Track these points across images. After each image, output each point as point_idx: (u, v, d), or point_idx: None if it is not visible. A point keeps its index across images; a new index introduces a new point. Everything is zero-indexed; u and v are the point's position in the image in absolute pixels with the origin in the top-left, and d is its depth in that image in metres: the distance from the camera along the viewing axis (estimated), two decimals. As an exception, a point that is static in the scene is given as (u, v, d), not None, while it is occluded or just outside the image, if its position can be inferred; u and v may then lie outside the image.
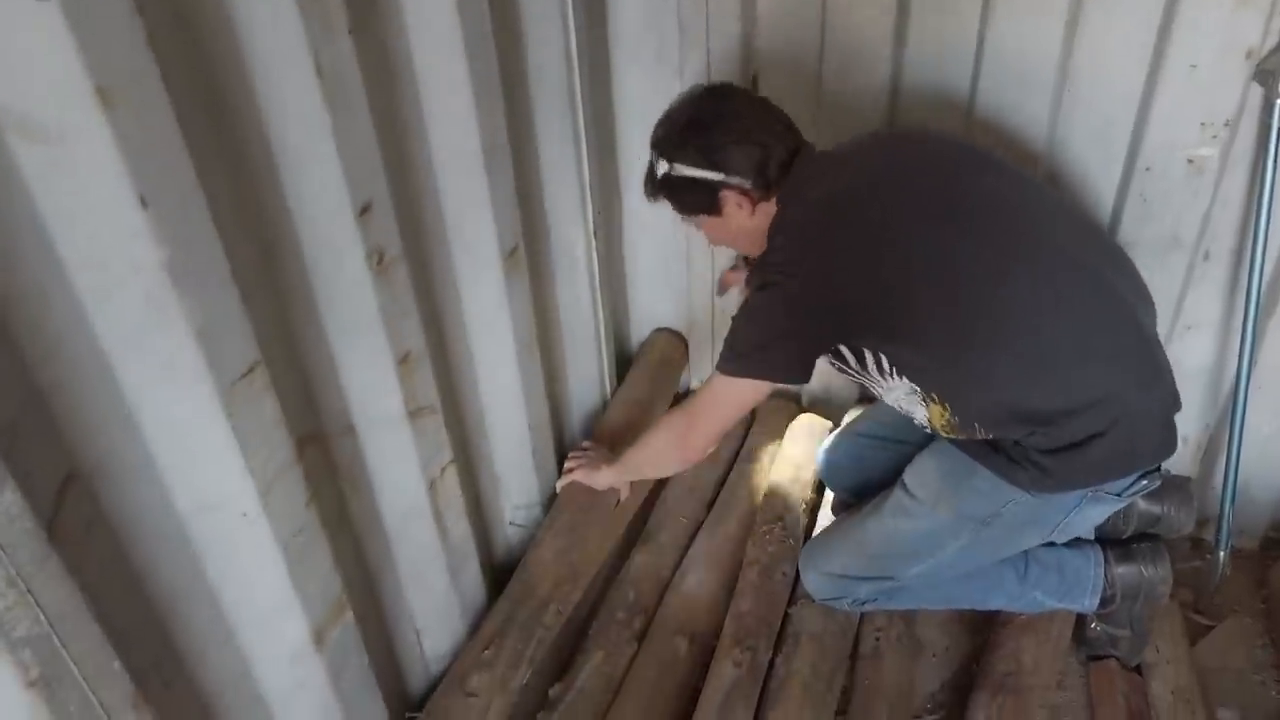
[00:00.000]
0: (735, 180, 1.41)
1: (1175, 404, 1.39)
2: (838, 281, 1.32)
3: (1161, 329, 1.75)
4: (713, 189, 1.43)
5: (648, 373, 2.18)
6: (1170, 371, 1.40)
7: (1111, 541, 1.63)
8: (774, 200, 1.43)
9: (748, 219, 1.44)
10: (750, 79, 1.82)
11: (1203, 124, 1.56)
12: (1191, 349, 1.80)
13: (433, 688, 1.57)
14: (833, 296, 1.33)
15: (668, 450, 1.60)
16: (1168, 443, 1.38)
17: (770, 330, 1.37)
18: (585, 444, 1.93)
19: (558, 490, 1.84)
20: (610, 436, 1.97)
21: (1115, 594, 1.58)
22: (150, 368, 0.92)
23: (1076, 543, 1.61)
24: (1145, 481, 1.39)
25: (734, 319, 1.42)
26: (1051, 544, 1.57)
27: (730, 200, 1.43)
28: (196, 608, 1.07)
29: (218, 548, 1.06)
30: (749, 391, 1.43)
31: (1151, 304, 1.43)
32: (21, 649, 0.81)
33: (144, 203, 0.84)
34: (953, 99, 1.69)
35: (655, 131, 1.48)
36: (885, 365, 1.37)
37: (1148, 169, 1.63)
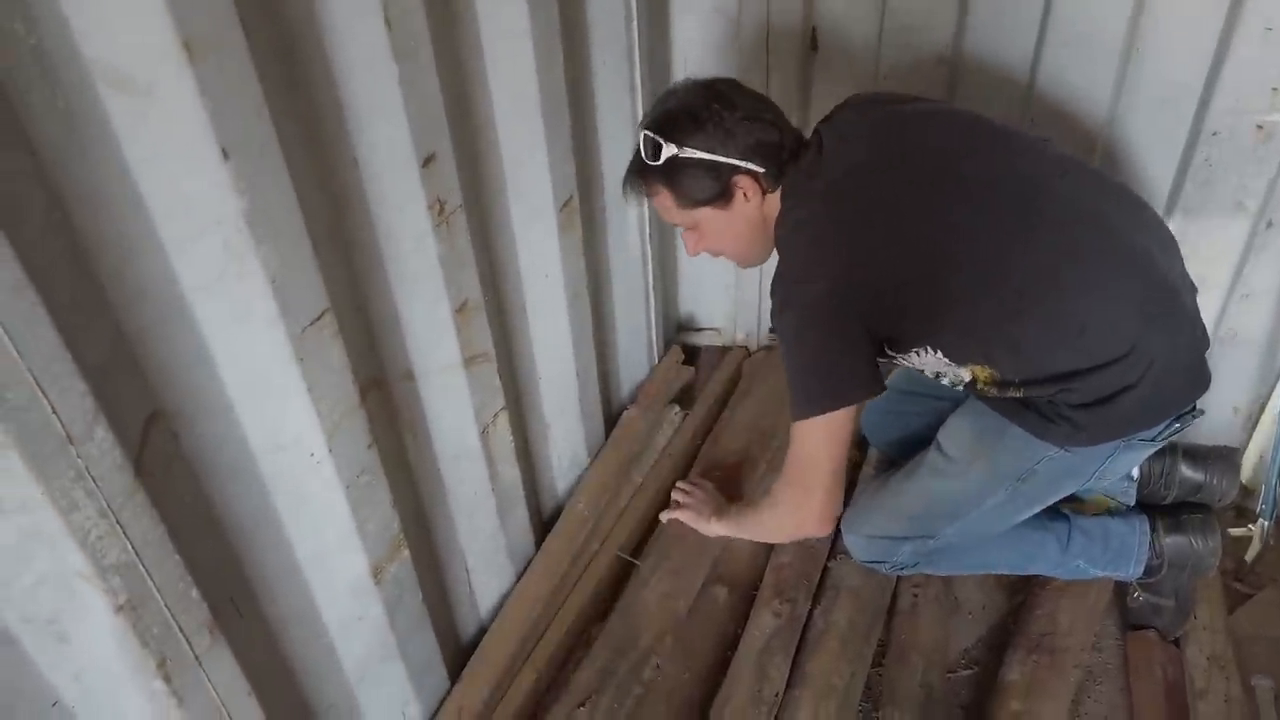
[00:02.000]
0: (748, 165, 1.35)
1: (1203, 343, 1.37)
2: (858, 275, 1.28)
3: (1218, 296, 1.74)
4: (725, 174, 1.36)
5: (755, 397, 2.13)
6: (1197, 313, 1.37)
7: (1159, 509, 1.63)
8: (778, 194, 1.38)
9: (755, 211, 1.39)
10: (808, 33, 1.80)
11: (1275, 89, 1.52)
12: (1248, 317, 1.78)
13: (481, 629, 1.63)
14: (860, 291, 1.29)
15: (792, 528, 1.58)
16: (1197, 384, 1.35)
17: (821, 350, 1.32)
18: (694, 480, 1.87)
19: (663, 521, 1.81)
20: (723, 468, 1.95)
21: (1162, 563, 1.58)
22: (228, 313, 0.95)
23: (1123, 511, 1.61)
24: (1178, 424, 1.37)
25: (783, 357, 1.36)
26: (1098, 514, 1.57)
27: (742, 187, 1.37)
28: (266, 542, 1.12)
29: (286, 486, 1.11)
30: (837, 427, 1.36)
31: (1175, 249, 1.39)
32: (112, 575, 0.86)
33: (225, 154, 0.87)
34: (1014, 65, 1.67)
35: (653, 114, 1.40)
36: (911, 344, 1.36)
37: (1214, 134, 1.60)
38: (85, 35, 0.76)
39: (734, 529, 1.72)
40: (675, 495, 1.83)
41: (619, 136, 1.79)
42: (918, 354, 1.38)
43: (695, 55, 1.86)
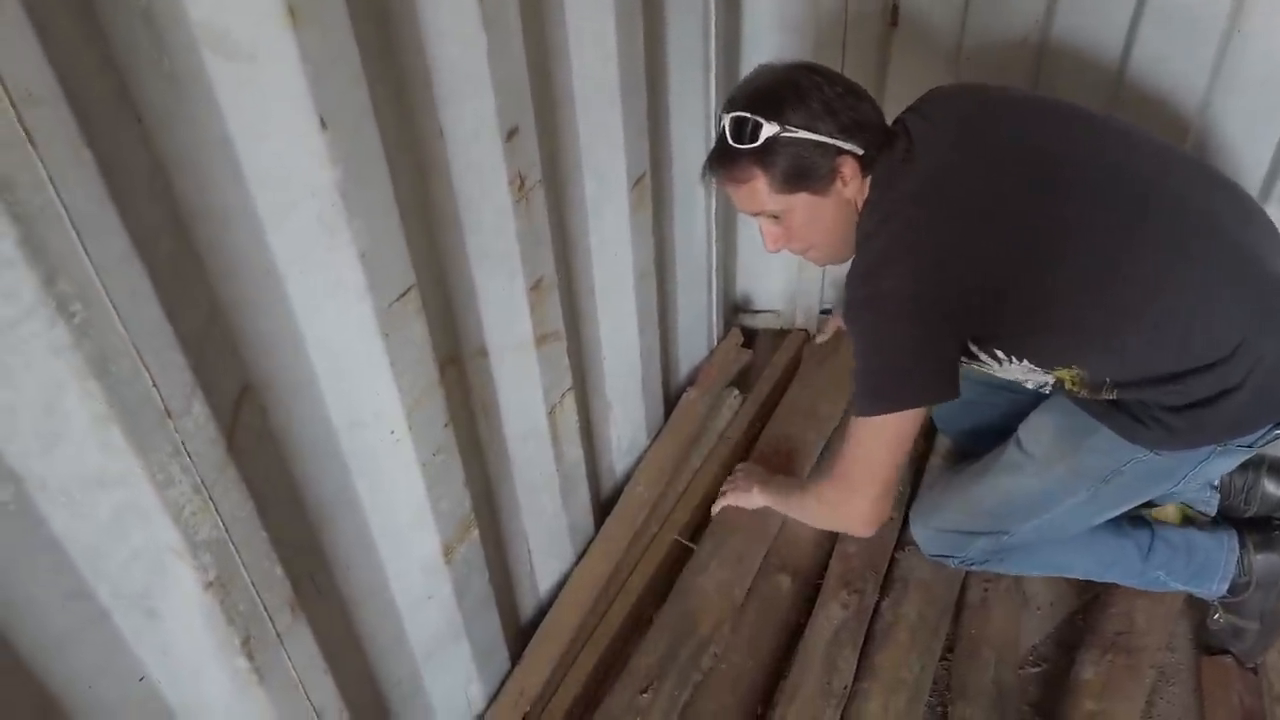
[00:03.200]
0: (850, 145, 1.26)
1: None
2: (949, 274, 1.22)
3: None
4: (828, 154, 1.27)
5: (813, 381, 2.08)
6: None
7: (1250, 524, 1.57)
8: (868, 182, 1.30)
9: (854, 196, 1.30)
10: (889, 7, 1.75)
11: (1384, 72, 1.46)
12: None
13: (541, 609, 1.62)
14: (948, 291, 1.22)
15: (832, 523, 1.55)
16: None
17: (899, 349, 1.25)
18: (739, 466, 1.83)
19: (713, 514, 1.77)
20: (779, 454, 1.90)
21: (1249, 581, 1.51)
22: (318, 286, 0.93)
23: (1210, 525, 1.56)
24: (1279, 431, 1.30)
25: (855, 354, 1.28)
26: (1184, 525, 1.51)
27: (845, 170, 1.28)
28: (344, 520, 1.11)
29: (365, 464, 1.09)
30: (903, 427, 1.30)
31: None
32: (202, 552, 0.85)
33: (324, 124, 0.84)
34: (1105, 46, 1.60)
35: (743, 94, 1.30)
36: (1001, 353, 1.30)
37: (1318, 117, 1.53)
38: (193, -3, 0.74)
39: (776, 502, 1.68)
40: (725, 486, 1.80)
41: (690, 113, 1.75)
42: (1001, 363, 1.32)
43: (769, 28, 1.81)
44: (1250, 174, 1.62)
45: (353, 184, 0.90)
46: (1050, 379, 1.33)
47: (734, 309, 2.32)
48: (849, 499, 1.41)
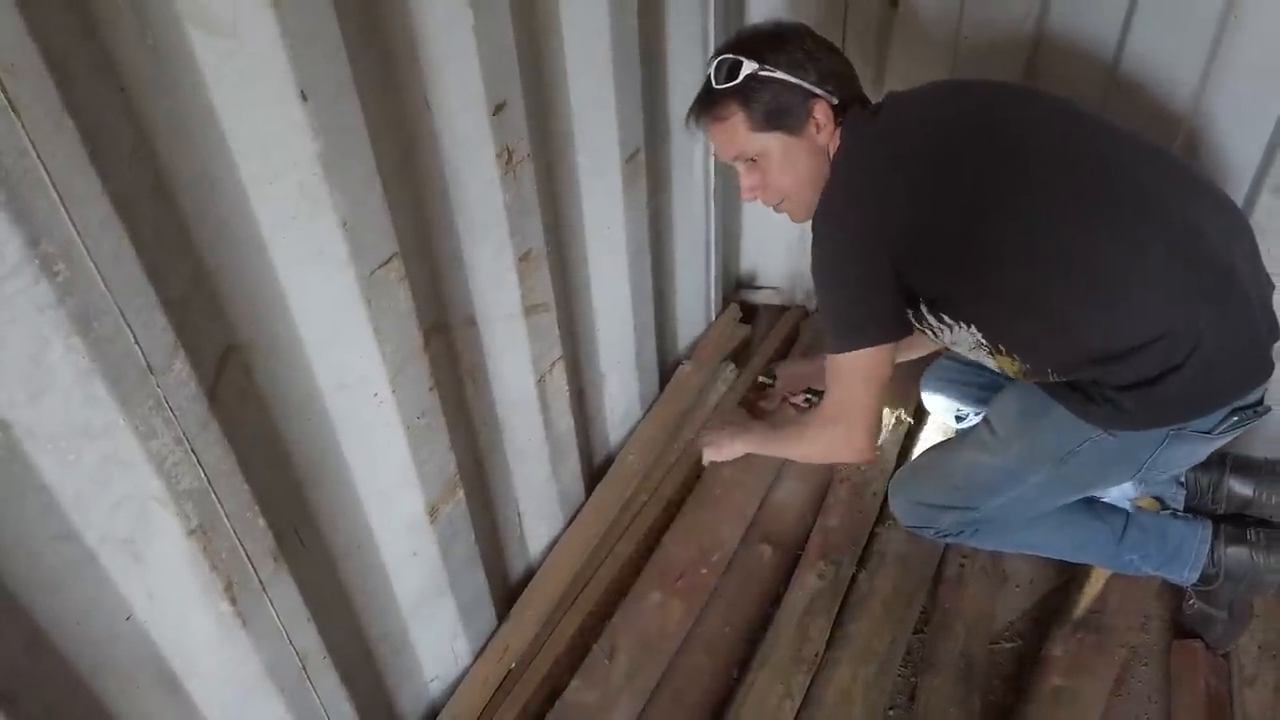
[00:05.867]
0: (824, 93, 1.36)
1: (1270, 334, 1.31)
2: (892, 219, 1.28)
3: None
4: (802, 97, 1.36)
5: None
6: (1266, 303, 1.31)
7: (1226, 518, 1.59)
8: (838, 133, 1.38)
9: (825, 141, 1.38)
10: (889, -11, 1.76)
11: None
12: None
13: (530, 571, 1.67)
14: (891, 235, 1.29)
15: (822, 452, 1.59)
16: (1255, 373, 1.29)
17: (849, 289, 1.33)
18: (708, 421, 1.90)
19: (705, 465, 1.85)
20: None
21: (1219, 573, 1.54)
22: (301, 253, 0.98)
23: (1186, 514, 1.57)
24: (1237, 418, 1.31)
25: (817, 295, 1.39)
26: (1159, 511, 1.53)
27: (815, 115, 1.36)
28: (330, 477, 1.15)
29: (350, 424, 1.14)
30: (872, 362, 1.37)
31: (1243, 234, 1.33)
32: (185, 500, 0.90)
33: (304, 96, 0.88)
34: (1101, 33, 1.61)
35: (731, 40, 1.41)
36: (948, 314, 1.34)
37: (1313, 108, 1.53)
38: (175, -27, 0.78)
39: (759, 445, 1.73)
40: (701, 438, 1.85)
41: (688, 89, 1.76)
42: (951, 329, 1.36)
43: (770, 4, 1.82)
44: (1242, 163, 1.62)
45: (334, 155, 0.94)
46: (994, 362, 1.37)
47: (736, 284, 2.35)
48: (834, 430, 1.48)
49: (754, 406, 1.99)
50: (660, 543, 1.72)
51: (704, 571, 1.64)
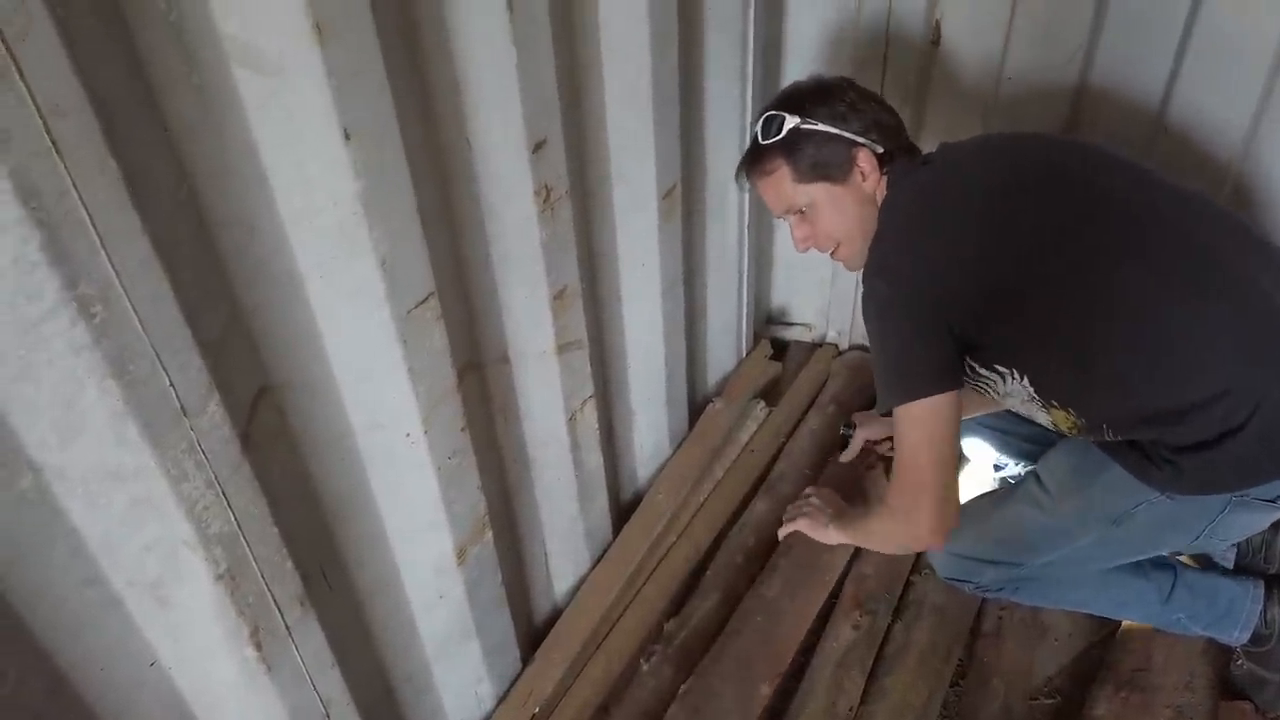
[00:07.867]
0: (868, 142, 1.37)
1: None
2: (946, 269, 1.26)
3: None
4: (845, 147, 1.37)
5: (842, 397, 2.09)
6: None
7: (1277, 578, 1.53)
8: (884, 182, 1.38)
9: (871, 189, 1.38)
10: (933, 25, 1.73)
11: None
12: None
13: (555, 612, 1.64)
14: (944, 284, 1.26)
15: (903, 538, 1.49)
16: None
17: (900, 341, 1.30)
18: (808, 491, 1.81)
19: (780, 539, 1.75)
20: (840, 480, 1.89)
21: (1272, 634, 1.48)
22: (338, 292, 0.96)
23: (1236, 572, 1.52)
24: None
25: (870, 346, 1.35)
26: (1206, 567, 1.48)
27: (861, 161, 1.37)
28: (358, 517, 1.13)
29: (381, 465, 1.12)
30: (930, 414, 1.30)
31: None
32: (214, 545, 0.88)
33: (347, 135, 0.87)
34: (1148, 75, 1.58)
35: (776, 97, 1.44)
36: (1000, 364, 1.30)
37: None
38: (223, 12, 0.77)
39: (851, 536, 1.64)
40: (790, 509, 1.77)
41: (727, 124, 1.75)
42: (1004, 378, 1.31)
43: (808, 47, 1.81)
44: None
45: (375, 194, 0.92)
46: (1048, 417, 1.32)
47: (766, 320, 2.32)
48: (912, 506, 1.37)
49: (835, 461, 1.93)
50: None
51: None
